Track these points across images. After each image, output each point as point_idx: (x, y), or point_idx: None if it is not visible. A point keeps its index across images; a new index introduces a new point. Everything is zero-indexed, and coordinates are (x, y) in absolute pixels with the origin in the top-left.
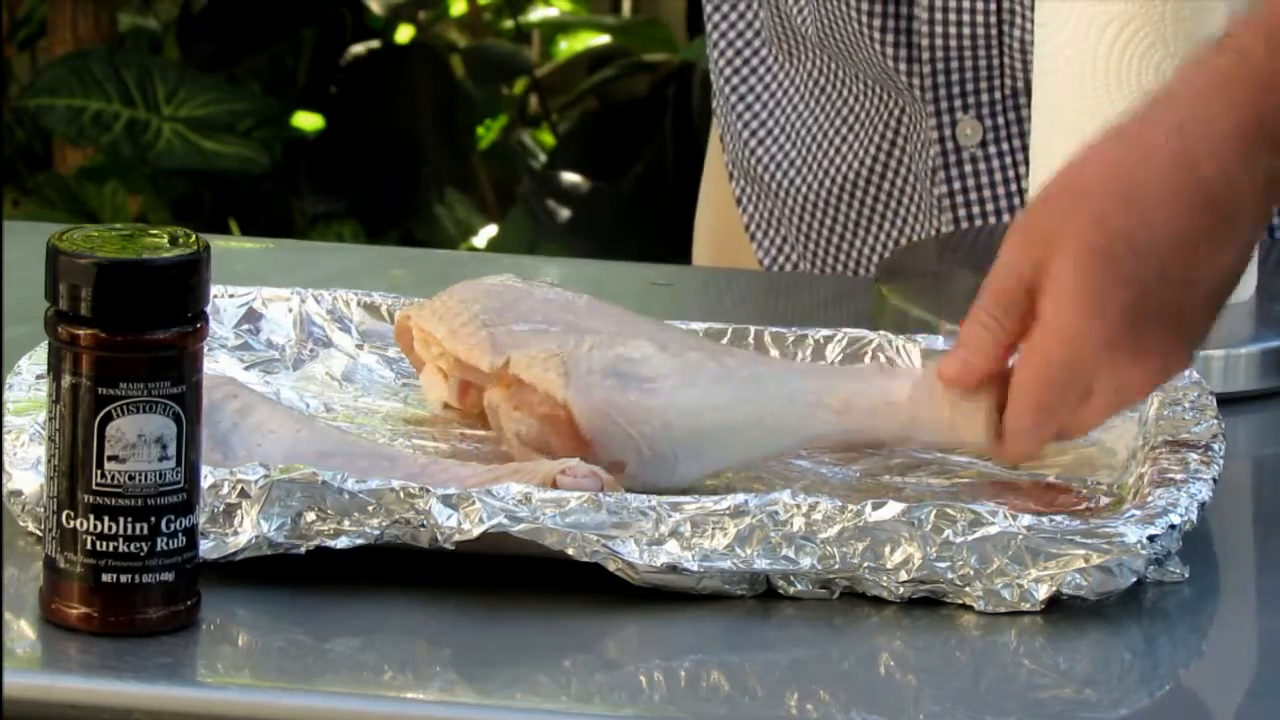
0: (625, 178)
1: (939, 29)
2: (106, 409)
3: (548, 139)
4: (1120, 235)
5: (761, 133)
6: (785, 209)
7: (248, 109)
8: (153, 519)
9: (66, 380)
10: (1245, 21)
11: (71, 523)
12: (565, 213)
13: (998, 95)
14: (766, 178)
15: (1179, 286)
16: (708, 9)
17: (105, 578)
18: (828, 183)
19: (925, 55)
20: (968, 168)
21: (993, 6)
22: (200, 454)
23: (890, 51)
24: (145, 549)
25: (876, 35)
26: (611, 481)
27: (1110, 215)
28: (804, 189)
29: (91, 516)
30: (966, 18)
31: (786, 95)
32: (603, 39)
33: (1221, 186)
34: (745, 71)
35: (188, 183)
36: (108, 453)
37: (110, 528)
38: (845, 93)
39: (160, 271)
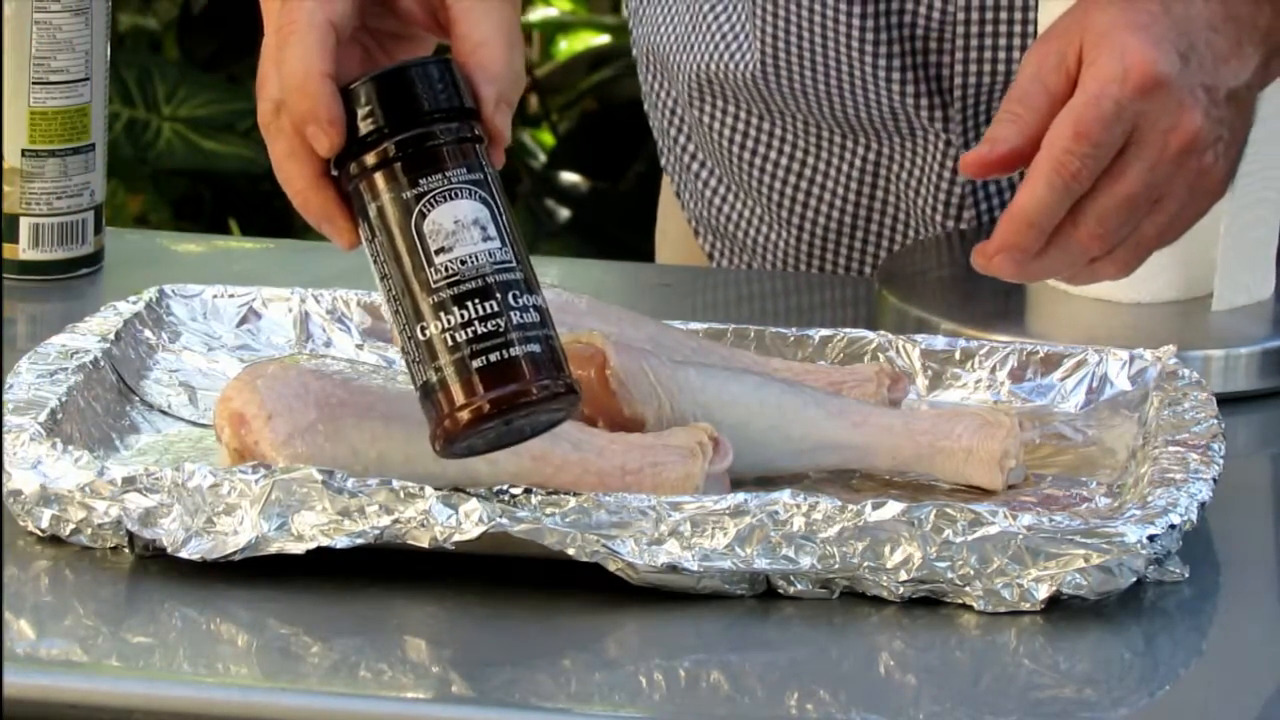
0: (625, 178)
1: (971, 80)
2: (417, 208)
3: (548, 139)
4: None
5: (722, 189)
6: (763, 262)
7: (248, 109)
8: (499, 295)
9: (373, 210)
10: None
11: (426, 333)
12: (565, 213)
13: None
14: (740, 235)
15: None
16: (644, 75)
17: (476, 363)
18: (805, 237)
19: (958, 104)
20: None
21: (1015, 42)
22: (522, 243)
23: (912, 102)
24: (502, 324)
25: (897, 89)
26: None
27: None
28: (780, 245)
29: (442, 314)
30: (1001, 65)
31: (743, 153)
32: (603, 39)
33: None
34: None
35: (188, 183)
36: (433, 246)
37: (462, 315)
38: (811, 147)
39: (424, 68)
